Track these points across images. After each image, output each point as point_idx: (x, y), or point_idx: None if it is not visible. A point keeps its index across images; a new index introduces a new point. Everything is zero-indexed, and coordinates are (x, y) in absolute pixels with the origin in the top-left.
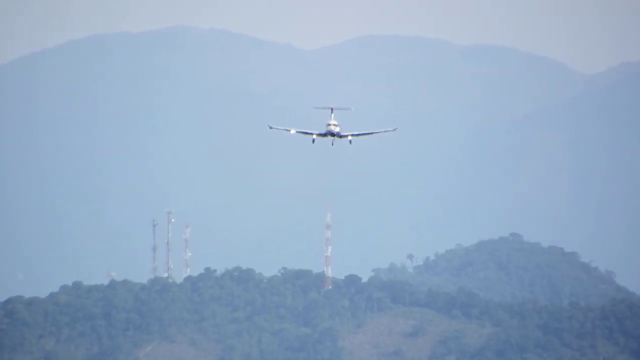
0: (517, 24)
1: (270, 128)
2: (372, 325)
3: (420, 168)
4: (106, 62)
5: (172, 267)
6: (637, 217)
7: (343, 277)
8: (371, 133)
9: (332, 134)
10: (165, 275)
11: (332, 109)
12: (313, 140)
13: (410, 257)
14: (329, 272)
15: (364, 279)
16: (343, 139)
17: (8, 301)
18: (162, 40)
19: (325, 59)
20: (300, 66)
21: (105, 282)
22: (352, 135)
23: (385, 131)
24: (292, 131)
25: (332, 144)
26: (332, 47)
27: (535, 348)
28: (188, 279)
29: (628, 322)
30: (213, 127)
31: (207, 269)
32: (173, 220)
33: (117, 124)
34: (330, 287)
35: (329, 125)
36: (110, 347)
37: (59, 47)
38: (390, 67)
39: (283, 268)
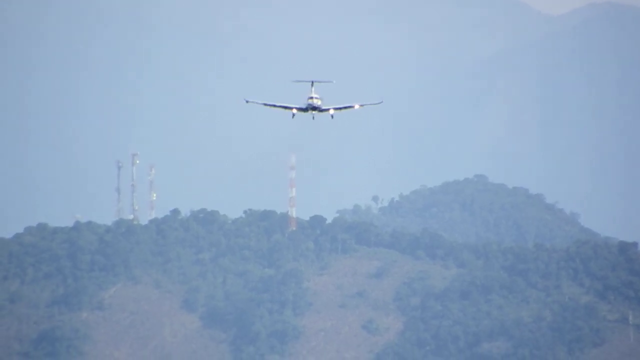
0: None
1: (247, 102)
2: (337, 267)
3: (386, 110)
4: (71, 2)
5: (137, 208)
6: (602, 159)
7: (308, 219)
8: (353, 107)
9: (314, 108)
10: (130, 217)
11: (312, 82)
12: (293, 115)
13: (375, 198)
14: (294, 213)
15: (329, 221)
16: (324, 113)
17: None
18: None
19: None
20: (268, 7)
21: (70, 223)
22: (334, 109)
23: (369, 104)
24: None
25: (313, 118)
26: None
27: (500, 289)
28: (153, 220)
29: (592, 263)
30: (178, 68)
31: (172, 211)
32: (138, 161)
33: (82, 66)
34: (294, 228)
35: (311, 98)
36: (75, 289)
37: None
38: (354, 10)
39: (248, 209)
